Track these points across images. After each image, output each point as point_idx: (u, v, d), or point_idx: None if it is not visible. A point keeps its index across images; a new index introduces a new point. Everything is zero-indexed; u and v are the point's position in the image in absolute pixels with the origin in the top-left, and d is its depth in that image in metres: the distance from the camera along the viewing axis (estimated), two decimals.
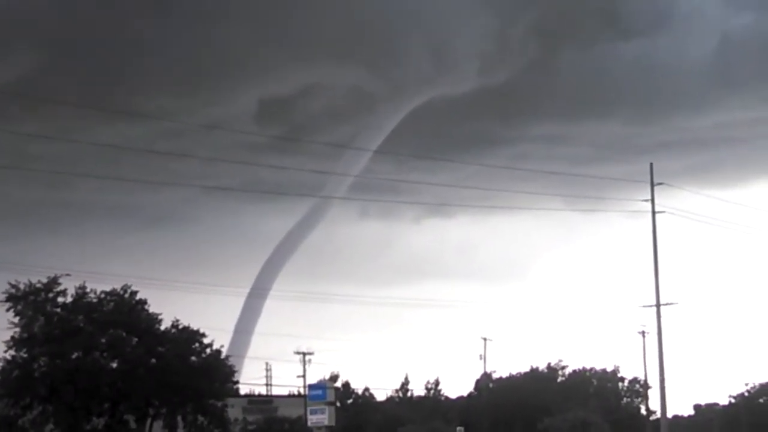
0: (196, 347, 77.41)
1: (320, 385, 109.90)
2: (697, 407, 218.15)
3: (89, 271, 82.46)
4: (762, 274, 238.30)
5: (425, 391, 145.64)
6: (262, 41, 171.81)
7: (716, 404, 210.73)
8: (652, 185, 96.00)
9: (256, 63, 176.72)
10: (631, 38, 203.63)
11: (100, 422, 77.07)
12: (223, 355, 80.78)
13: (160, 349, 75.82)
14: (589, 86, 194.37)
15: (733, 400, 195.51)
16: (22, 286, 73.56)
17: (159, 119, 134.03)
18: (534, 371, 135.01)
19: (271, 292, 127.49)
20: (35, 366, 72.89)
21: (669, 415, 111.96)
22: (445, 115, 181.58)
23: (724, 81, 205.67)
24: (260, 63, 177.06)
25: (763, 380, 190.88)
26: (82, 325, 74.20)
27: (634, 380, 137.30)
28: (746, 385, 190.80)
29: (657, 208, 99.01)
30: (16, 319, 73.68)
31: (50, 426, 75.29)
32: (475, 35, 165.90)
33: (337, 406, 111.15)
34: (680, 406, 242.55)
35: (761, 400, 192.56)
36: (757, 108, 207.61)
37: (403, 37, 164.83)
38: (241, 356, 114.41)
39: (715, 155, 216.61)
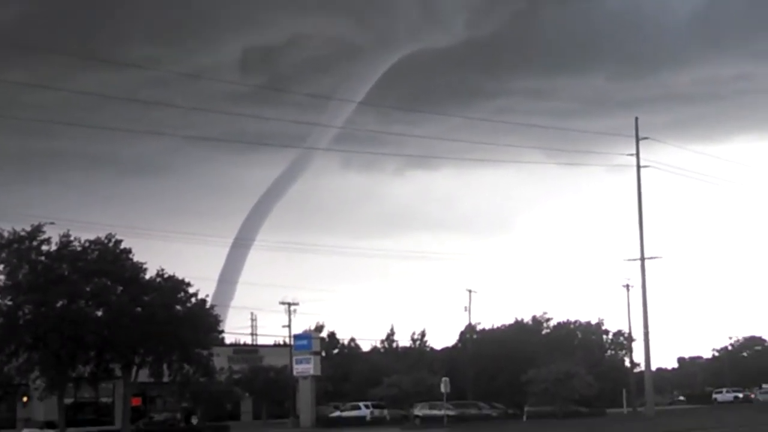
0: (181, 296, 77.36)
1: (305, 335, 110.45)
2: (680, 360, 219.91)
3: (73, 219, 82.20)
4: (745, 228, 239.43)
5: (410, 342, 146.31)
6: None
7: (700, 357, 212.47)
8: (637, 140, 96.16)
9: (240, 12, 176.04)
10: None
11: (85, 370, 77.26)
12: (208, 305, 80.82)
13: (145, 298, 75.74)
14: (573, 41, 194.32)
15: (716, 354, 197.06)
16: (6, 234, 73.26)
17: (142, 68, 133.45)
18: (518, 323, 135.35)
19: (256, 243, 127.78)
20: (20, 314, 72.76)
21: (653, 367, 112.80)
22: (428, 67, 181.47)
23: (707, 37, 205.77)
24: (245, 12, 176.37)
25: (747, 334, 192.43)
26: (66, 273, 73.99)
27: (619, 333, 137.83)
28: (730, 338, 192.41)
29: (641, 163, 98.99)
30: (0, 267, 73.54)
31: (35, 374, 75.49)
32: None
33: (322, 356, 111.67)
34: (664, 358, 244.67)
35: (744, 354, 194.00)
36: (739, 64, 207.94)
37: None
38: (226, 306, 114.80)
39: (698, 110, 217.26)
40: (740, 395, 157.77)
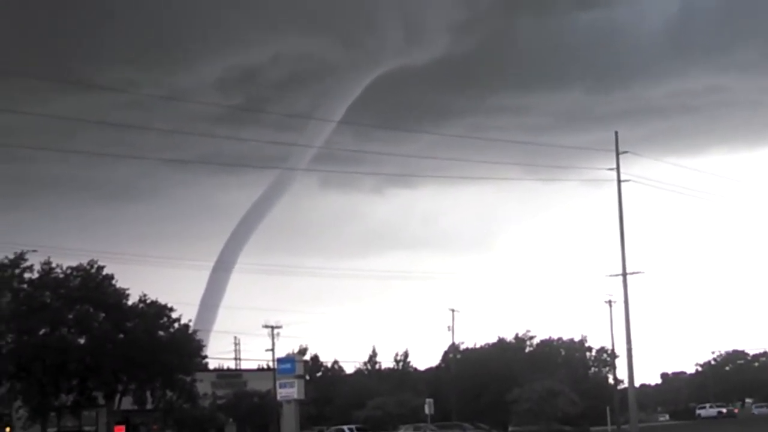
0: (164, 322, 77.23)
1: (289, 359, 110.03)
2: (664, 376, 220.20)
3: (52, 246, 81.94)
4: (726, 240, 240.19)
5: (394, 363, 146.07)
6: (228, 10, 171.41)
7: (683, 372, 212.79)
8: (617, 153, 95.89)
9: (218, 33, 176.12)
10: (590, 8, 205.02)
11: (68, 399, 76.96)
12: (190, 330, 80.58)
13: (127, 324, 75.59)
14: (548, 56, 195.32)
15: (699, 368, 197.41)
16: None
17: (119, 91, 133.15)
18: (502, 342, 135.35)
19: (237, 266, 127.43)
20: (2, 343, 72.62)
21: (636, 383, 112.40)
22: (404, 86, 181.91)
23: (681, 50, 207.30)
24: (222, 33, 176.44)
25: (730, 348, 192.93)
26: (48, 300, 73.84)
27: (602, 349, 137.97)
28: (713, 353, 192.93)
29: (622, 177, 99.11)
30: None
31: (18, 403, 75.06)
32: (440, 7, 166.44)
33: (306, 379, 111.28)
34: (648, 374, 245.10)
35: (727, 368, 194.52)
36: (713, 76, 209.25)
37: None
38: (208, 330, 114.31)
39: (673, 123, 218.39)
40: (724, 410, 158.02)
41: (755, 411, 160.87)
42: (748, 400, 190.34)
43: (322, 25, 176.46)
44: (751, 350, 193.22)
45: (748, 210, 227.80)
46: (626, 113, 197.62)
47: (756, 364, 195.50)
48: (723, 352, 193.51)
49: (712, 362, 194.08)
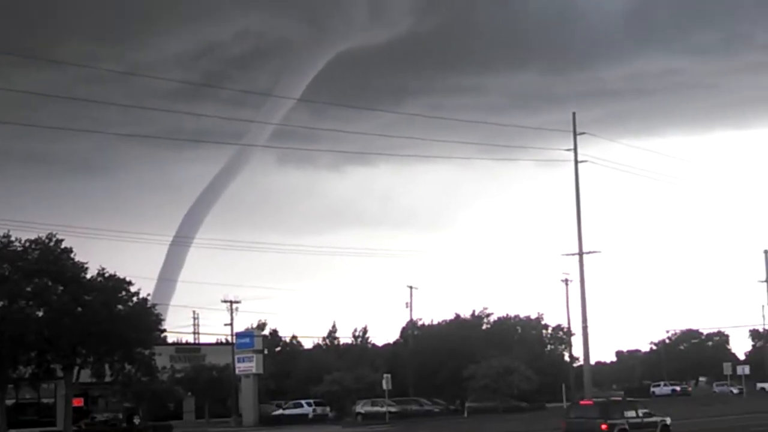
0: (122, 295, 77.22)
1: (248, 333, 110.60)
2: (619, 354, 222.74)
3: (11, 219, 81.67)
4: (681, 221, 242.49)
5: (352, 338, 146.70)
6: None
7: (638, 351, 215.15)
8: (575, 134, 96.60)
9: (184, 8, 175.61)
10: None
11: (26, 371, 76.91)
12: (149, 304, 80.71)
13: (86, 297, 75.53)
14: (506, 37, 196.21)
15: (654, 347, 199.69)
16: None
17: (78, 65, 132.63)
18: (459, 319, 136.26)
19: (196, 241, 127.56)
20: None
21: (592, 361, 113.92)
22: (361, 65, 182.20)
23: (637, 33, 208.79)
24: (188, 8, 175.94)
25: (684, 327, 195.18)
26: (7, 273, 73.72)
27: (558, 327, 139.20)
28: (667, 332, 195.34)
29: (579, 158, 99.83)
30: None
31: None
32: None
33: (264, 354, 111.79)
34: (603, 352, 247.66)
35: (682, 347, 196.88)
36: (669, 59, 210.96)
37: None
38: (166, 304, 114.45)
39: (630, 105, 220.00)
40: (678, 388, 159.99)
41: (716, 389, 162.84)
42: (701, 379, 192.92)
43: (285, 2, 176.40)
44: (705, 329, 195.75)
45: (703, 191, 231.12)
46: (583, 95, 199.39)
47: (709, 343, 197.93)
48: (677, 331, 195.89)
49: (667, 341, 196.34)
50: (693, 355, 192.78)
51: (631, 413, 52.38)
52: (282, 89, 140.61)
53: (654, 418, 53.74)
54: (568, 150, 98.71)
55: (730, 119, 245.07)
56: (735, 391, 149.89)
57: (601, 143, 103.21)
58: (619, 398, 70.12)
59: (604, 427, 49.53)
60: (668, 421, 54.81)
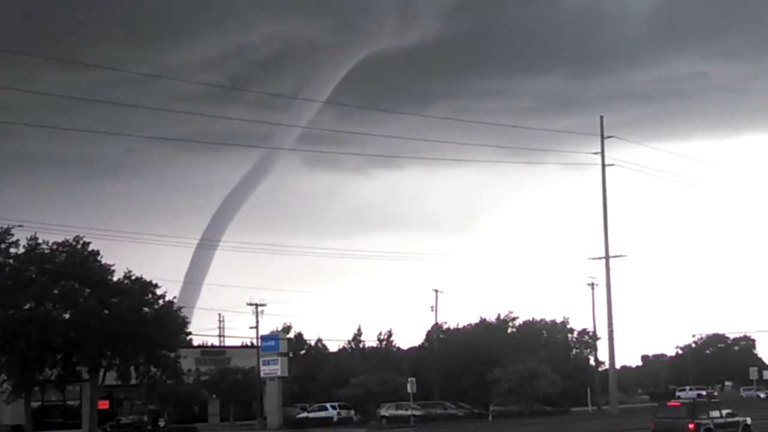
0: (148, 298, 77.55)
1: (273, 336, 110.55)
2: (644, 358, 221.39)
3: (40, 222, 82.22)
4: (708, 225, 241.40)
5: (377, 342, 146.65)
6: None
7: (663, 355, 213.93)
8: (602, 138, 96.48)
9: (213, 12, 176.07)
10: None
11: (52, 373, 77.30)
12: (175, 307, 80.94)
13: (112, 300, 75.88)
14: (532, 40, 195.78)
15: (680, 351, 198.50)
16: None
17: (108, 68, 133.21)
18: (484, 322, 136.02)
19: (222, 244, 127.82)
20: None
21: (617, 365, 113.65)
22: (388, 68, 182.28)
23: (665, 35, 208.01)
24: (212, 12, 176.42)
25: (710, 331, 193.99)
26: (34, 276, 74.16)
27: (583, 331, 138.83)
28: (693, 336, 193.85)
29: (606, 161, 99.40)
30: None
31: (2, 377, 75.38)
32: None
33: (289, 357, 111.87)
34: (628, 356, 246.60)
35: (708, 351, 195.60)
36: (697, 62, 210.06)
37: None
38: (192, 307, 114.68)
39: (657, 109, 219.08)
40: (703, 393, 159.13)
41: (743, 394, 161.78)
42: (727, 383, 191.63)
43: (313, 5, 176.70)
44: (731, 334, 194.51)
45: (730, 195, 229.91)
46: (610, 98, 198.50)
47: (736, 347, 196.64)
48: (703, 336, 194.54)
49: (693, 345, 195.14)
50: (719, 360, 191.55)
51: (716, 413, 54.71)
52: (308, 92, 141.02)
53: (736, 418, 56.05)
54: (596, 153, 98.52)
55: (757, 123, 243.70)
56: (762, 395, 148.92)
57: (628, 146, 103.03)
58: (705, 399, 72.38)
59: (691, 426, 51.76)
60: (749, 420, 57.04)
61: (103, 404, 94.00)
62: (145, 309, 77.14)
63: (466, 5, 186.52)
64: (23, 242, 74.92)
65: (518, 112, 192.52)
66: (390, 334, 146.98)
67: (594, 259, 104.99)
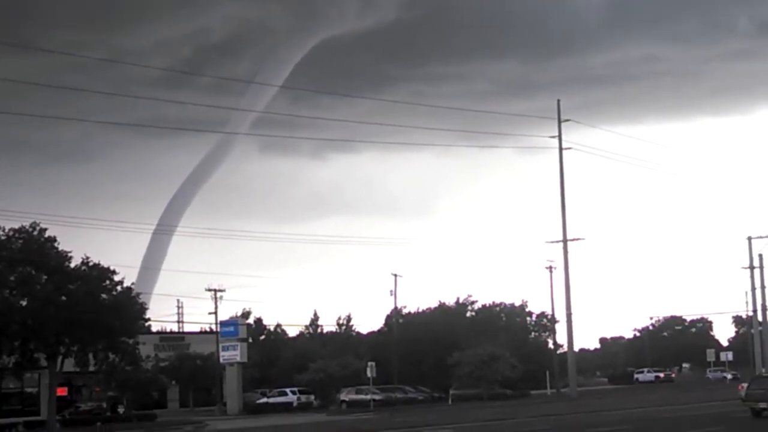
0: (106, 284, 77.13)
1: (232, 322, 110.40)
2: (602, 341, 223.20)
3: None
4: (664, 208, 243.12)
5: (336, 326, 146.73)
6: None
7: (621, 338, 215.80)
8: (560, 122, 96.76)
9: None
10: None
11: (10, 360, 76.83)
12: (133, 293, 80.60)
13: (70, 286, 75.41)
14: (487, 24, 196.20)
15: (637, 334, 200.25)
16: None
17: (61, 53, 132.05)
18: (443, 306, 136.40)
19: (179, 229, 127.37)
20: None
21: (576, 348, 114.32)
22: (342, 52, 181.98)
23: (619, 20, 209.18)
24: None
25: (667, 314, 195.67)
26: None
27: (542, 314, 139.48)
28: (651, 318, 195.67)
29: (563, 145, 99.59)
30: None
31: None
32: None
33: (249, 342, 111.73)
34: (587, 339, 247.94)
35: (665, 334, 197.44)
36: (649, 46, 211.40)
37: None
38: (149, 293, 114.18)
39: (611, 92, 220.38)
40: (661, 375, 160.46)
41: (710, 375, 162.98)
42: (685, 365, 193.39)
43: None
44: (688, 316, 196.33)
45: (686, 178, 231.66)
46: (565, 82, 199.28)
47: (693, 329, 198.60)
48: (660, 318, 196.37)
49: (650, 327, 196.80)
50: (676, 342, 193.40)
51: None
52: (264, 76, 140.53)
53: None
54: (553, 137, 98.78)
55: (711, 106, 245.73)
56: (729, 376, 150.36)
57: (584, 130, 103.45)
58: None
59: None
60: None
61: (62, 391, 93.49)
62: (103, 295, 76.74)
63: None
64: None
65: (474, 96, 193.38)
66: (349, 319, 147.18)
67: (552, 242, 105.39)
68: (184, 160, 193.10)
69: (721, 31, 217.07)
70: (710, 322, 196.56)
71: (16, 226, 75.60)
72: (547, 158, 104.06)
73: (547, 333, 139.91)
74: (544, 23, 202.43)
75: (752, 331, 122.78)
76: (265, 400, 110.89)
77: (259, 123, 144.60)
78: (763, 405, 53.49)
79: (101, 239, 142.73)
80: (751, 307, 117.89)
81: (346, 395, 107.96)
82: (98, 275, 76.86)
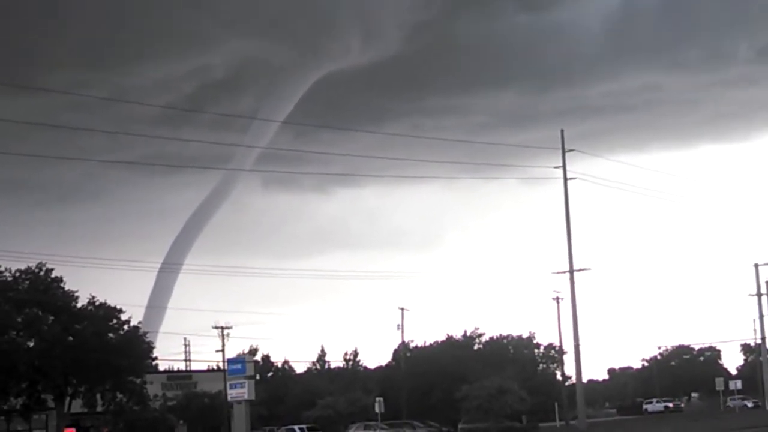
0: (113, 324, 77.08)
1: (239, 359, 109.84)
2: (611, 371, 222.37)
3: (1, 249, 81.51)
4: (670, 236, 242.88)
5: (344, 362, 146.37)
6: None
7: (630, 368, 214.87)
8: (564, 151, 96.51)
9: (173, 34, 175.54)
10: (531, 10, 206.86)
11: (17, 402, 76.60)
12: (140, 332, 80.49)
13: (77, 326, 75.37)
14: (486, 57, 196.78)
15: (646, 363, 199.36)
16: None
17: (62, 93, 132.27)
18: (451, 340, 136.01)
19: (185, 267, 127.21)
20: None
21: (584, 379, 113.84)
22: (342, 87, 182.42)
23: (619, 50, 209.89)
24: (168, 34, 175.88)
25: (675, 343, 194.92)
26: None
27: (550, 346, 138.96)
28: (659, 348, 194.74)
29: (568, 175, 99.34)
30: None
31: None
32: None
33: (256, 380, 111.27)
34: (595, 370, 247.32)
35: (673, 363, 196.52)
36: (650, 75, 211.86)
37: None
38: (156, 331, 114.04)
39: (612, 122, 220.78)
40: (670, 405, 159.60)
41: (730, 404, 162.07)
42: (693, 395, 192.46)
43: (270, 26, 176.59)
44: (696, 345, 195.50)
45: (690, 206, 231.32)
46: (566, 112, 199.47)
47: (701, 358, 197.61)
48: (669, 347, 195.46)
49: (658, 357, 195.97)
50: (685, 371, 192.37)
51: None
52: (266, 112, 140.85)
53: None
54: (557, 167, 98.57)
55: (713, 134, 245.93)
56: (749, 404, 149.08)
57: (587, 159, 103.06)
58: None
59: None
60: None
61: None
62: (110, 335, 76.70)
63: (420, 24, 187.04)
64: None
65: (474, 128, 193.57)
66: (356, 354, 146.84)
67: (558, 273, 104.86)
68: (187, 198, 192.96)
69: (721, 58, 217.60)
70: (718, 351, 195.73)
71: (22, 267, 75.66)
72: (551, 189, 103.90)
73: (555, 364, 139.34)
74: (544, 55, 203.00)
75: (761, 358, 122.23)
76: None
77: (262, 158, 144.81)
78: None
79: (107, 279, 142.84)
80: (759, 335, 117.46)
81: (354, 431, 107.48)
82: (105, 315, 76.83)
